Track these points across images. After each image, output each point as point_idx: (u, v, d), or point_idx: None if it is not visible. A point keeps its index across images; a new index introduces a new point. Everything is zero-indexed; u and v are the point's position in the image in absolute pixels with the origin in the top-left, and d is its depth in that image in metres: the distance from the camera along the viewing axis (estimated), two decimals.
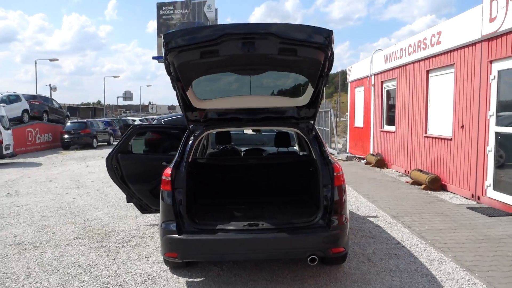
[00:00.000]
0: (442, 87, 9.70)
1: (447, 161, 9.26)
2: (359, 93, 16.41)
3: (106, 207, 8.08)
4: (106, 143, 26.70)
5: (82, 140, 23.82)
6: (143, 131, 6.56)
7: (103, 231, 6.39)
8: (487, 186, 7.71)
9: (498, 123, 7.49)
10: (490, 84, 7.62)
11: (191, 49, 3.76)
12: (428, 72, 10.32)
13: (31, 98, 24.13)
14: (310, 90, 4.57)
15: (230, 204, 5.16)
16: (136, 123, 28.41)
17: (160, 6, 44.65)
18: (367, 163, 13.93)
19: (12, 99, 21.12)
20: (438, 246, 5.42)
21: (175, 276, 4.60)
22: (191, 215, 4.33)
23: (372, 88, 14.49)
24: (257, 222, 4.20)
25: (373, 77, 14.46)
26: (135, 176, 5.73)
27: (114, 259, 5.15)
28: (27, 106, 22.05)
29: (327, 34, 3.68)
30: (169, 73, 4.04)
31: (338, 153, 17.37)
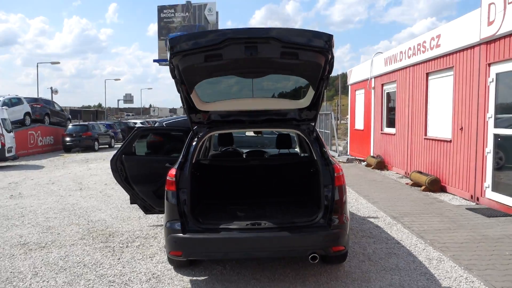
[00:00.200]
0: (441, 89, 9.80)
1: (446, 163, 9.36)
2: (360, 95, 16.52)
3: (109, 209, 8.18)
4: (107, 146, 26.84)
5: (84, 143, 23.96)
6: (147, 133, 6.66)
7: (107, 232, 6.48)
8: (486, 187, 7.80)
9: (496, 125, 7.59)
10: (488, 86, 7.73)
11: (195, 53, 3.87)
12: (427, 74, 10.43)
13: (33, 101, 24.28)
14: (311, 92, 4.68)
15: (233, 204, 5.25)
16: (137, 125, 28.50)
17: (161, 9, 44.81)
18: (368, 165, 14.02)
19: (14, 102, 21.26)
20: (437, 246, 5.51)
21: (179, 274, 4.69)
22: (195, 214, 4.42)
23: (373, 91, 14.60)
24: (259, 222, 4.30)
25: (373, 79, 14.57)
26: (139, 177, 5.83)
27: (118, 259, 5.25)
28: (29, 109, 22.19)
29: (328, 38, 3.79)
30: (173, 76, 4.15)
31: (339, 156, 17.46)
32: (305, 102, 4.83)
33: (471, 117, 8.32)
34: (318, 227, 4.20)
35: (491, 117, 7.66)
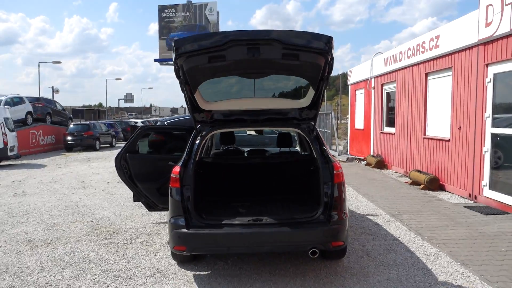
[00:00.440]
0: (440, 89, 9.92)
1: (445, 162, 9.48)
2: (360, 95, 16.64)
3: (112, 207, 8.30)
4: (108, 145, 26.91)
5: (85, 142, 24.05)
6: (151, 132, 6.77)
7: (111, 229, 6.61)
8: (484, 185, 7.92)
9: (494, 125, 7.71)
10: (486, 86, 7.85)
11: (199, 54, 4.00)
12: (426, 75, 10.55)
13: (35, 100, 24.39)
14: (311, 92, 4.80)
15: (235, 201, 5.38)
16: (138, 125, 28.61)
17: (161, 9, 44.82)
18: (368, 164, 14.14)
19: (16, 101, 21.37)
20: (435, 242, 5.63)
21: (182, 269, 4.82)
22: (198, 211, 4.54)
23: (372, 91, 14.71)
24: (261, 218, 4.42)
25: (373, 79, 14.68)
26: (142, 175, 5.95)
27: (123, 255, 5.37)
28: (30, 108, 22.31)
29: (327, 40, 3.92)
30: (178, 77, 4.28)
31: (339, 155, 17.58)
32: (305, 101, 4.95)
33: (469, 117, 8.44)
34: (318, 223, 4.32)
35: (489, 116, 7.78)
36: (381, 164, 13.42)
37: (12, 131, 17.12)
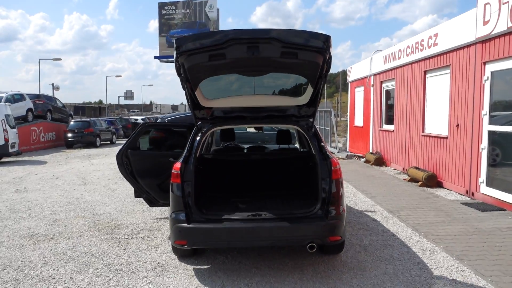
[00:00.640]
0: (438, 87, 10.00)
1: (443, 159, 9.57)
2: (359, 93, 16.72)
3: (113, 202, 8.39)
4: (109, 142, 27.00)
5: (86, 139, 24.12)
6: (152, 129, 6.85)
7: (112, 224, 6.70)
8: (481, 182, 8.02)
9: (491, 122, 7.80)
10: (483, 84, 7.93)
11: (200, 52, 4.09)
12: (425, 72, 10.62)
13: (35, 97, 24.47)
14: (310, 90, 4.89)
15: (235, 197, 5.47)
16: (138, 122, 28.68)
17: (161, 6, 44.84)
18: (367, 162, 14.23)
19: (17, 98, 21.44)
20: (431, 238, 5.72)
21: (183, 264, 4.91)
22: (199, 206, 4.63)
23: (372, 88, 14.79)
24: (260, 213, 4.52)
25: (372, 77, 14.76)
26: (144, 171, 6.03)
27: (124, 249, 5.46)
28: (31, 105, 22.38)
29: (325, 39, 4.01)
30: (179, 74, 4.37)
31: (338, 152, 17.66)
32: (304, 99, 5.04)
33: (466, 115, 8.52)
34: (316, 218, 4.41)
35: (486, 114, 7.87)
36: (380, 161, 13.51)
37: (13, 128, 17.20)
